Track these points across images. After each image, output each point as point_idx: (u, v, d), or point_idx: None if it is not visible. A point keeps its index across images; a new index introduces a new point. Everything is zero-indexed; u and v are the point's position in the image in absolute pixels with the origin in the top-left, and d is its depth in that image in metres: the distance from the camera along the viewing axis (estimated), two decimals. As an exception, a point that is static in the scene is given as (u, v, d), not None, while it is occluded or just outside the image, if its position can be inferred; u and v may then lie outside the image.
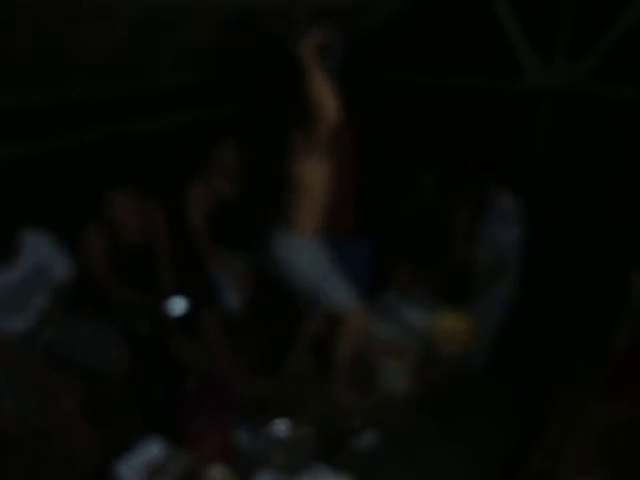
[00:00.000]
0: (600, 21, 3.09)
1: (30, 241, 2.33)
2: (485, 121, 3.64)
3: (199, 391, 2.52)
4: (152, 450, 2.23)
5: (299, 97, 2.21)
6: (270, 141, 3.04)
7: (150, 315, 2.77)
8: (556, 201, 3.61)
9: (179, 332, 2.80)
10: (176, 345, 2.77)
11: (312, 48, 2.12)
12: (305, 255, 2.47)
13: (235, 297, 3.17)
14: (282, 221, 2.51)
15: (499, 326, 3.30)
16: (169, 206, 2.94)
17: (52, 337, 2.43)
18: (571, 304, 3.41)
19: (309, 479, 2.22)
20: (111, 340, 2.54)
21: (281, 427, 2.45)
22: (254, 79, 3.37)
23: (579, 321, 3.26)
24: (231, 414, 2.39)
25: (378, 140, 3.83)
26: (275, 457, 2.32)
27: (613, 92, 3.18)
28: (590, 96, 3.27)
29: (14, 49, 2.22)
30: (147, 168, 2.96)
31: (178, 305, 2.84)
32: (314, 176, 2.35)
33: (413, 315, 3.10)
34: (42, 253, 2.38)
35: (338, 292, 2.50)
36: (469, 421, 2.77)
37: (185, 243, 3.03)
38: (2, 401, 2.19)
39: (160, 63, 2.97)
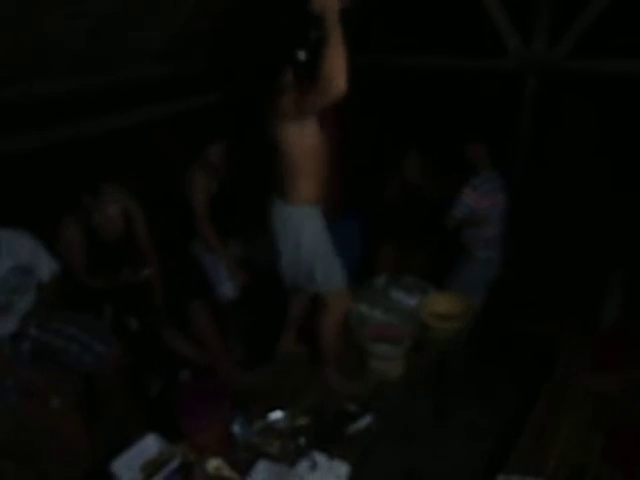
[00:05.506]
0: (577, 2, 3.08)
1: (7, 242, 2.24)
2: (469, 100, 3.63)
3: (193, 384, 2.49)
4: (148, 446, 2.20)
5: (309, 62, 2.08)
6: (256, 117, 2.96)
7: (137, 308, 2.72)
8: (541, 173, 3.63)
9: (169, 324, 2.76)
10: (167, 338, 2.73)
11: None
12: (306, 228, 2.38)
13: (229, 286, 3.15)
14: (279, 196, 2.39)
15: (485, 300, 3.32)
16: (146, 200, 2.86)
17: (38, 337, 2.37)
18: (557, 276, 3.45)
19: (306, 467, 2.23)
20: (99, 337, 2.49)
21: (277, 416, 2.45)
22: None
23: (566, 293, 3.31)
24: (226, 406, 2.37)
25: (364, 120, 3.79)
26: (272, 447, 2.32)
27: (590, 68, 3.19)
28: (569, 72, 3.27)
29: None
30: (123, 162, 2.89)
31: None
32: (299, 142, 2.22)
33: (404, 298, 3.11)
34: (22, 253, 2.29)
35: (332, 271, 2.45)
36: (463, 402, 2.81)
37: (164, 235, 2.97)
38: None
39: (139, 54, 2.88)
